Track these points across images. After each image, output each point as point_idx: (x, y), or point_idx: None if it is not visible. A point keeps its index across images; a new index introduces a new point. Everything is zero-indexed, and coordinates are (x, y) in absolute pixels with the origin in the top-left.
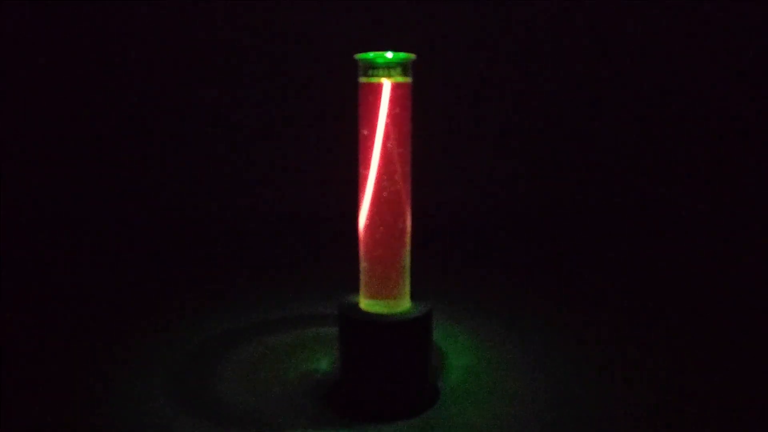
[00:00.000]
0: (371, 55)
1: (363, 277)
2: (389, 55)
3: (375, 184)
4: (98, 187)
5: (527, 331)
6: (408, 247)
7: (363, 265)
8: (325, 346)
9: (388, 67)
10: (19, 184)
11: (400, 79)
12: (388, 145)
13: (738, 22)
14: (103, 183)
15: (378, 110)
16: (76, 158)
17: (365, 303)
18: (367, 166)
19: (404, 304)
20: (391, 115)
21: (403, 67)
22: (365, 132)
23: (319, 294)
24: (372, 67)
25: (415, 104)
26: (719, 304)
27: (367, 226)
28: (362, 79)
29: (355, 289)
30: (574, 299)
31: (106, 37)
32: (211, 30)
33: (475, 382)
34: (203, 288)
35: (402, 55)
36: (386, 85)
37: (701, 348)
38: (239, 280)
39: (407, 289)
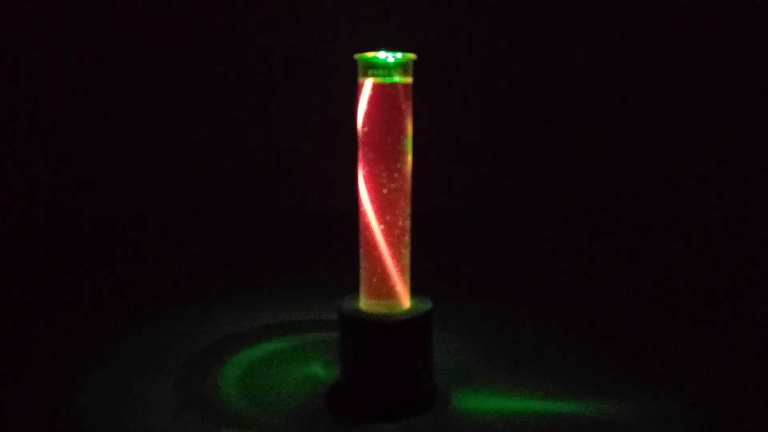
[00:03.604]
0: (371, 55)
1: (363, 277)
2: (389, 55)
3: (375, 183)
4: (99, 187)
5: (527, 330)
6: (408, 247)
7: (363, 265)
8: (323, 350)
9: (388, 67)
10: (17, 182)
11: (400, 79)
12: (388, 144)
13: (737, 22)
14: (104, 183)
15: (378, 109)
16: (75, 158)
17: (365, 303)
18: (367, 166)
19: (404, 304)
20: (391, 115)
21: (404, 67)
22: (365, 131)
23: (319, 295)
24: (371, 67)
25: (415, 104)
26: (719, 301)
27: (367, 226)
28: (361, 79)
29: (356, 290)
30: (573, 299)
31: (109, 37)
32: (212, 31)
33: (474, 382)
34: (202, 288)
35: (402, 55)
36: (385, 85)
37: (698, 346)
38: (237, 281)
39: (407, 289)
